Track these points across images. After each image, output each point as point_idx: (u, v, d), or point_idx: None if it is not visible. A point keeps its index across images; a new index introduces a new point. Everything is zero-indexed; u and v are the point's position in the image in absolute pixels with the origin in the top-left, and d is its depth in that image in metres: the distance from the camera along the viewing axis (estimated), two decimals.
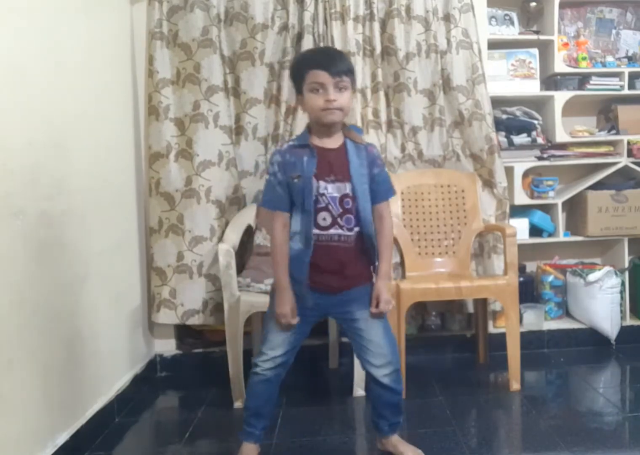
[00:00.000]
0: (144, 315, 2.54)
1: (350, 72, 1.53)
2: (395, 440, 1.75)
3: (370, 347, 1.62)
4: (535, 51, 2.83)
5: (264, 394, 1.67)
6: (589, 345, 2.73)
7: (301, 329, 1.63)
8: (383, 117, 2.62)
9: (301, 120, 2.56)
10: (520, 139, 2.77)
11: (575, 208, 2.90)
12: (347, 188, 1.56)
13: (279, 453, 1.82)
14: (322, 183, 1.54)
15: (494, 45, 2.78)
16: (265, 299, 2.20)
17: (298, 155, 1.55)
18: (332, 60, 1.51)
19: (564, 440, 1.80)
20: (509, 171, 2.76)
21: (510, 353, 2.26)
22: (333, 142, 1.58)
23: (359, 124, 2.56)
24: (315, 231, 1.55)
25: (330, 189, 1.55)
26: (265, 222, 1.73)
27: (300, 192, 1.54)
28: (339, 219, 1.56)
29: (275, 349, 1.62)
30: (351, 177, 1.56)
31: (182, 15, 2.52)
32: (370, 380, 1.68)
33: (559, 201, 2.82)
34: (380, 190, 1.63)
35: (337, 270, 1.59)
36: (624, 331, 2.73)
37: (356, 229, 1.58)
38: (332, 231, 1.56)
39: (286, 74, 2.54)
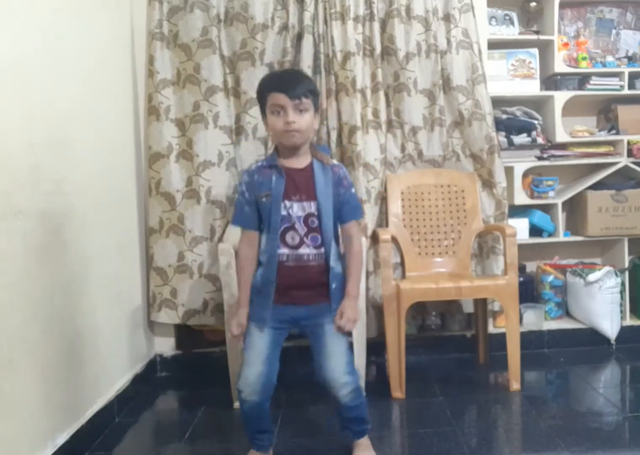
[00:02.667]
0: (144, 315, 2.55)
1: (311, 93, 1.54)
2: (359, 444, 1.75)
3: (328, 364, 1.60)
4: (535, 51, 2.84)
5: (256, 418, 1.67)
6: (589, 345, 2.73)
7: (273, 344, 1.62)
8: (383, 117, 2.62)
9: None
10: (520, 139, 2.77)
11: (575, 208, 2.91)
12: (312, 207, 1.58)
13: (279, 453, 1.81)
14: (287, 202, 1.57)
15: (494, 45, 2.78)
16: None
17: (266, 176, 1.59)
18: (291, 83, 1.53)
19: (564, 440, 1.80)
20: (509, 171, 2.76)
21: (510, 353, 2.26)
22: (299, 162, 1.61)
23: (359, 124, 2.56)
24: (285, 250, 1.58)
25: (296, 208, 1.58)
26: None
27: (268, 211, 1.58)
28: (305, 238, 1.58)
29: (253, 367, 1.59)
30: (317, 196, 1.58)
31: (182, 15, 2.52)
32: (331, 397, 1.65)
33: (559, 201, 2.82)
34: (347, 210, 1.64)
35: (303, 287, 1.60)
36: (624, 331, 2.73)
37: (321, 249, 1.59)
38: (301, 250, 1.58)
39: None
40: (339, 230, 1.66)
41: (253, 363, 1.59)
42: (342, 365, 1.61)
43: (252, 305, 1.63)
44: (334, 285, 1.61)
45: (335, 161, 1.69)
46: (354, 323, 1.60)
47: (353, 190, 1.67)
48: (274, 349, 1.62)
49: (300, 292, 1.61)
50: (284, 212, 1.57)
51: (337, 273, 1.62)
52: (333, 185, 1.61)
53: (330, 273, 1.61)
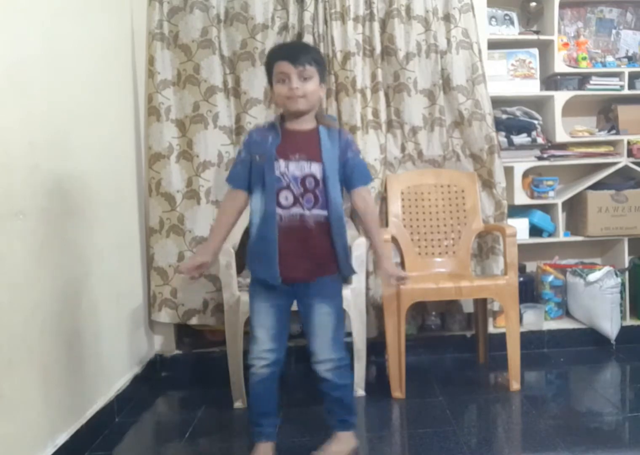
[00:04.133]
0: (144, 316, 2.55)
1: (315, 62, 1.56)
2: (339, 437, 1.72)
3: (316, 342, 1.64)
4: (535, 51, 2.84)
5: (264, 393, 1.67)
6: (589, 345, 2.73)
7: (280, 319, 1.64)
8: (383, 117, 2.62)
9: None
10: (520, 139, 2.77)
11: (575, 208, 2.91)
12: (311, 168, 1.57)
13: (279, 453, 1.81)
14: (282, 162, 1.57)
15: (494, 45, 2.78)
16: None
17: (264, 136, 1.60)
18: (295, 52, 1.58)
19: (564, 440, 1.80)
20: (509, 171, 2.76)
21: (510, 353, 2.26)
22: (304, 125, 1.62)
23: (359, 124, 2.56)
24: (278, 210, 1.56)
25: (292, 168, 1.57)
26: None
27: (261, 170, 1.57)
28: (300, 198, 1.57)
29: (262, 344, 1.63)
30: (322, 158, 1.58)
31: (182, 16, 2.52)
32: (316, 376, 1.67)
33: (559, 201, 2.83)
34: (357, 174, 1.64)
35: (301, 253, 1.58)
36: (624, 331, 2.73)
37: (317, 211, 1.58)
38: (293, 210, 1.57)
39: None
40: (350, 195, 1.65)
41: (261, 339, 1.62)
42: (328, 340, 1.63)
43: (256, 271, 1.64)
44: (338, 248, 1.60)
45: (337, 127, 1.69)
46: (407, 278, 1.64)
47: (361, 156, 1.69)
48: (282, 324, 1.64)
49: (301, 261, 1.59)
50: (277, 172, 1.56)
51: (342, 236, 1.61)
52: (340, 150, 1.61)
53: (334, 236, 1.59)
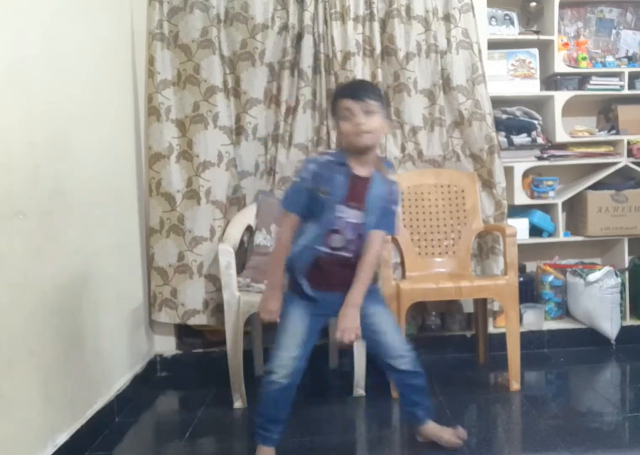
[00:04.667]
0: (144, 316, 2.55)
1: (376, 97, 1.60)
2: (432, 428, 1.80)
3: (385, 340, 1.70)
4: (535, 51, 2.84)
5: (281, 402, 1.66)
6: (589, 345, 2.73)
7: (311, 329, 1.66)
8: None
9: (301, 120, 2.57)
10: (520, 139, 2.77)
11: (575, 208, 2.91)
12: (361, 218, 1.62)
13: (279, 453, 1.81)
14: (342, 207, 1.60)
15: (494, 45, 2.78)
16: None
17: (332, 172, 1.61)
18: (357, 89, 1.63)
19: (564, 440, 1.80)
20: (509, 171, 2.76)
21: (510, 353, 2.26)
22: (364, 170, 1.64)
23: None
24: (326, 250, 1.62)
25: (350, 214, 1.61)
26: (280, 221, 1.86)
27: (322, 206, 1.60)
28: (349, 244, 1.63)
29: (289, 350, 1.63)
30: (367, 209, 1.62)
31: (182, 16, 2.52)
32: (392, 373, 1.75)
33: (559, 201, 2.82)
34: (384, 220, 1.67)
35: (345, 284, 1.64)
36: (624, 331, 2.73)
37: (357, 254, 1.64)
38: (341, 253, 1.63)
39: (286, 74, 2.55)
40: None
41: (290, 345, 1.63)
42: (399, 337, 1.73)
43: (289, 284, 1.68)
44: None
45: (394, 178, 1.74)
46: (352, 332, 1.62)
47: (398, 209, 1.74)
48: (311, 335, 1.66)
49: (335, 284, 1.64)
50: (337, 214, 1.60)
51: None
52: (384, 198, 1.66)
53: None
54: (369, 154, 1.64)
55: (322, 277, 1.63)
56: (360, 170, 1.63)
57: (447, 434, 1.78)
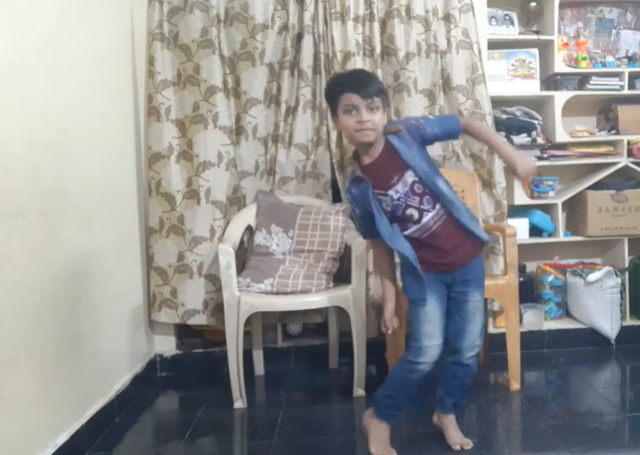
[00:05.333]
0: (144, 315, 2.55)
1: (381, 92, 1.61)
2: (450, 421, 1.83)
3: (468, 329, 1.72)
4: (535, 51, 2.83)
5: (417, 387, 1.72)
6: (589, 345, 2.73)
7: (444, 311, 1.70)
8: None
9: (301, 120, 2.57)
10: (520, 139, 2.77)
11: (575, 208, 2.91)
12: (409, 176, 1.61)
13: (279, 453, 1.82)
14: (391, 192, 1.62)
15: (494, 45, 2.78)
16: (265, 299, 2.22)
17: (362, 188, 1.66)
18: (363, 84, 1.59)
19: (564, 440, 1.80)
20: (509, 171, 2.75)
21: (510, 353, 2.26)
22: (378, 150, 1.65)
23: None
24: (413, 227, 1.63)
25: (400, 189, 1.62)
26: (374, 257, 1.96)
27: (374, 216, 1.65)
28: (421, 206, 1.62)
29: (432, 339, 1.68)
30: (408, 165, 1.61)
31: (182, 16, 2.52)
32: (452, 361, 1.76)
33: (559, 201, 2.82)
34: (448, 129, 1.68)
35: (449, 251, 1.65)
36: (624, 331, 2.73)
37: (437, 205, 1.63)
38: (425, 220, 1.62)
39: (286, 74, 2.55)
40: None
41: (434, 335, 1.68)
42: (479, 330, 1.73)
43: (410, 286, 1.71)
44: (467, 223, 1.65)
45: (401, 127, 1.68)
46: (530, 165, 1.59)
47: (431, 116, 1.77)
48: (444, 317, 1.71)
49: (447, 259, 1.66)
50: (395, 201, 1.62)
51: (471, 221, 1.67)
52: (418, 139, 1.64)
53: (464, 223, 1.65)
54: (374, 144, 1.64)
55: (435, 250, 1.64)
56: (374, 154, 1.64)
57: (455, 435, 1.81)
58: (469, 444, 1.79)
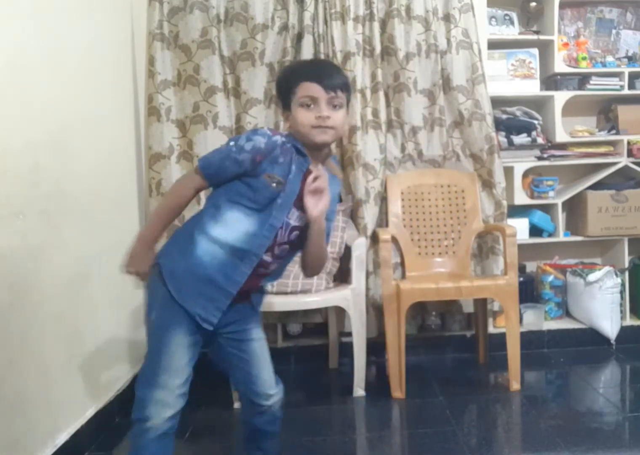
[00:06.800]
0: (144, 315, 2.54)
1: (346, 88, 1.34)
2: None
3: (262, 374, 1.41)
4: (535, 51, 2.84)
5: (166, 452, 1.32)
6: (589, 345, 2.73)
7: (196, 350, 1.41)
8: (383, 117, 2.62)
9: None
10: (520, 139, 2.77)
11: (575, 208, 2.91)
12: (303, 220, 1.33)
13: (279, 453, 1.81)
14: (293, 208, 1.32)
15: (494, 45, 2.78)
16: (265, 299, 2.21)
17: (287, 159, 1.30)
18: (327, 73, 1.32)
19: (564, 440, 1.80)
20: (509, 171, 2.76)
21: (510, 353, 2.26)
22: (322, 163, 1.37)
23: (359, 124, 2.56)
24: (267, 258, 1.33)
25: (294, 218, 1.33)
26: (185, 178, 1.46)
27: (268, 199, 1.29)
28: (275, 247, 1.33)
29: (177, 377, 1.38)
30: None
31: (182, 16, 2.52)
32: (250, 412, 1.44)
33: (559, 201, 2.82)
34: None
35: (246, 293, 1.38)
36: (624, 331, 2.73)
37: (279, 261, 1.38)
38: (265, 257, 1.32)
39: None
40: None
41: (177, 371, 1.42)
42: (272, 373, 1.43)
43: (188, 301, 1.32)
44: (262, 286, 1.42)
45: (341, 176, 1.50)
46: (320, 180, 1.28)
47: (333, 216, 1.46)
48: (194, 358, 1.43)
49: (245, 294, 1.38)
50: (287, 215, 1.31)
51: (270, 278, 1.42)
52: (335, 201, 1.41)
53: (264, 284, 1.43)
54: (323, 150, 1.36)
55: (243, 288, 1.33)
56: (317, 161, 1.35)
57: None
58: None
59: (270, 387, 1.42)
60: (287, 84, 1.34)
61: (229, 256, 1.30)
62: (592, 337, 2.74)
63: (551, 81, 2.88)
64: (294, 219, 1.33)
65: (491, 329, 2.69)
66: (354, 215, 2.58)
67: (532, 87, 2.83)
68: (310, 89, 1.29)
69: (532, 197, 2.84)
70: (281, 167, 1.29)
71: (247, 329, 1.42)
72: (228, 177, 1.31)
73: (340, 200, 1.34)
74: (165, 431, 1.29)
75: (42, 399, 1.65)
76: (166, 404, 1.32)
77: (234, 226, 1.31)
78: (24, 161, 1.60)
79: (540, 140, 2.79)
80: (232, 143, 1.30)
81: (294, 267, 2.34)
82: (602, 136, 2.86)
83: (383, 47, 2.62)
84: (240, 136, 1.32)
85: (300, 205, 1.29)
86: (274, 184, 1.28)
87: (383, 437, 1.95)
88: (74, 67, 1.92)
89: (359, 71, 2.57)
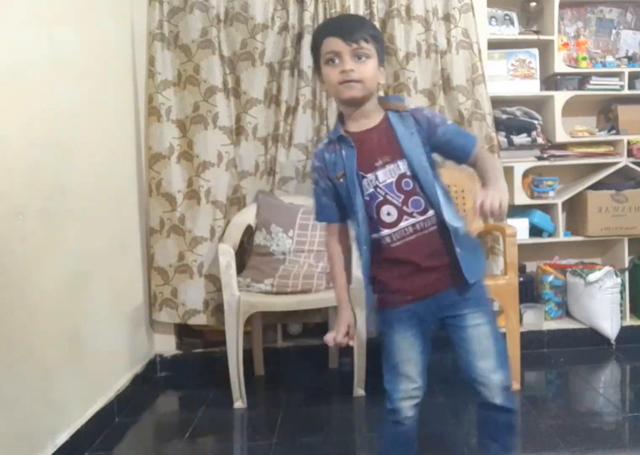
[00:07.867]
0: (145, 315, 2.55)
1: (373, 39, 1.26)
2: None
3: (477, 364, 1.39)
4: (535, 51, 2.83)
5: (410, 445, 1.40)
6: (589, 345, 2.73)
7: (417, 347, 1.44)
8: None
9: (301, 120, 2.57)
10: (520, 139, 2.77)
11: (575, 208, 2.90)
12: (401, 167, 1.28)
13: (279, 453, 1.81)
14: (369, 175, 1.28)
15: (494, 45, 2.78)
16: (265, 299, 2.22)
17: (336, 151, 1.31)
18: (348, 26, 1.26)
19: (564, 440, 1.80)
20: (509, 171, 2.76)
21: (510, 353, 2.25)
22: (371, 121, 1.31)
23: None
24: (385, 231, 1.28)
25: (382, 177, 1.28)
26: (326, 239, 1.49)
27: (348, 193, 1.30)
28: (404, 207, 1.28)
29: (412, 382, 1.41)
30: (404, 153, 1.29)
31: (182, 16, 2.52)
32: (478, 403, 1.42)
33: (559, 201, 2.82)
34: (460, 143, 1.37)
35: (426, 269, 1.30)
36: (624, 331, 2.73)
37: (430, 212, 1.30)
38: (402, 224, 1.28)
39: (286, 74, 2.55)
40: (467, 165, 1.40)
41: (411, 376, 1.44)
42: (493, 362, 1.37)
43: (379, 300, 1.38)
44: (458, 250, 1.28)
45: (412, 106, 1.40)
46: (496, 210, 1.25)
47: (449, 122, 1.41)
48: (422, 355, 1.46)
49: (419, 278, 1.30)
50: (369, 189, 1.28)
51: (461, 235, 1.31)
52: (424, 132, 1.31)
53: (452, 236, 1.29)
54: (366, 104, 1.29)
55: (404, 267, 1.30)
56: (365, 123, 1.30)
57: None
58: None
59: (491, 374, 1.37)
60: (314, 45, 1.31)
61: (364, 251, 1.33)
62: (592, 337, 2.73)
63: (551, 81, 2.88)
64: (382, 178, 1.29)
65: None
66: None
67: (532, 87, 2.83)
68: (332, 43, 1.24)
69: (532, 197, 2.84)
70: (336, 161, 1.31)
71: (462, 315, 1.40)
72: (333, 204, 1.35)
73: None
74: None
75: (42, 399, 1.65)
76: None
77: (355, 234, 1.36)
78: (24, 161, 1.60)
79: (540, 140, 2.79)
80: (312, 185, 1.40)
81: (293, 267, 2.34)
82: (602, 136, 2.86)
83: None
84: (311, 175, 1.43)
85: (372, 165, 1.28)
86: (341, 180, 1.31)
87: None
88: (74, 67, 1.92)
89: None
